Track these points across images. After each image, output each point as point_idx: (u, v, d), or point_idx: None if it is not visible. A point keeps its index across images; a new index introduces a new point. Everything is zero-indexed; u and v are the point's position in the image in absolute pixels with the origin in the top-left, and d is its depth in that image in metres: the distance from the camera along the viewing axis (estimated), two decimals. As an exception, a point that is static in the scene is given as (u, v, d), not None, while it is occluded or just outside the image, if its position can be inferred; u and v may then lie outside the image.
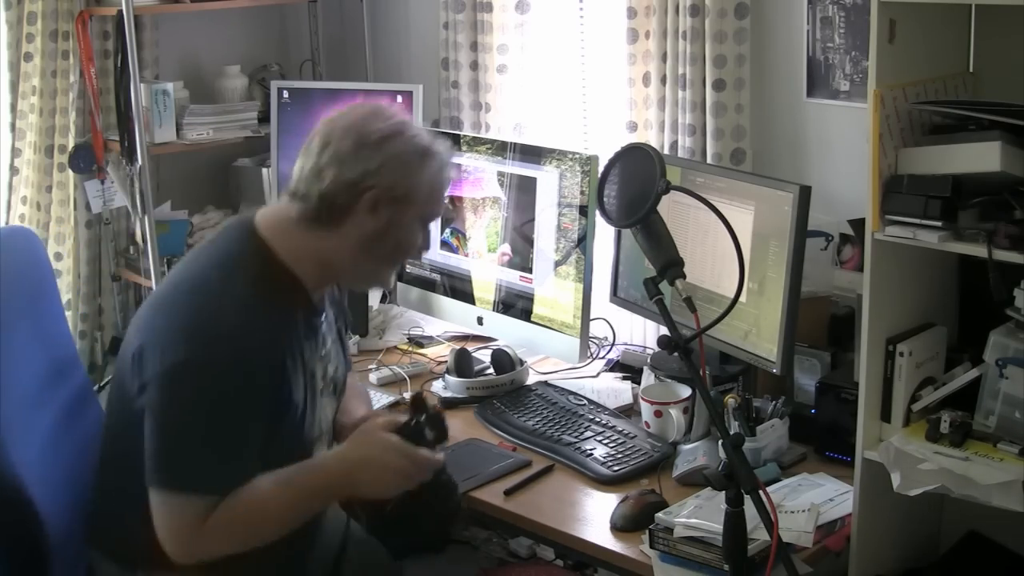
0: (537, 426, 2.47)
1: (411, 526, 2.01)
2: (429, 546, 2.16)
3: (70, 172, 3.24)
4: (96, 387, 3.35)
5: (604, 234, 2.65)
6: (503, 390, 2.66)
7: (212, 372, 1.77)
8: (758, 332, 2.33)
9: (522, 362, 2.74)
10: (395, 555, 2.19)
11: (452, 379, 2.68)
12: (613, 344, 2.88)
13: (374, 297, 3.21)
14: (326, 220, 1.86)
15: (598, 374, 2.80)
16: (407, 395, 2.56)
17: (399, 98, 3.11)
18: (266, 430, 1.84)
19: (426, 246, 2.00)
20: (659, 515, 2.01)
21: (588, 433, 2.42)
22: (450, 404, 2.65)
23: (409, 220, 1.91)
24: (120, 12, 3.05)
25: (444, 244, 2.90)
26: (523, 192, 2.71)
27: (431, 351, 2.98)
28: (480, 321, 2.85)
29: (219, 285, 1.84)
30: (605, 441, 2.38)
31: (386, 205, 1.86)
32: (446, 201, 1.97)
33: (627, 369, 2.79)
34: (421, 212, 1.92)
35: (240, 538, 1.83)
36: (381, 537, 2.17)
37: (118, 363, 1.95)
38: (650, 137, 2.78)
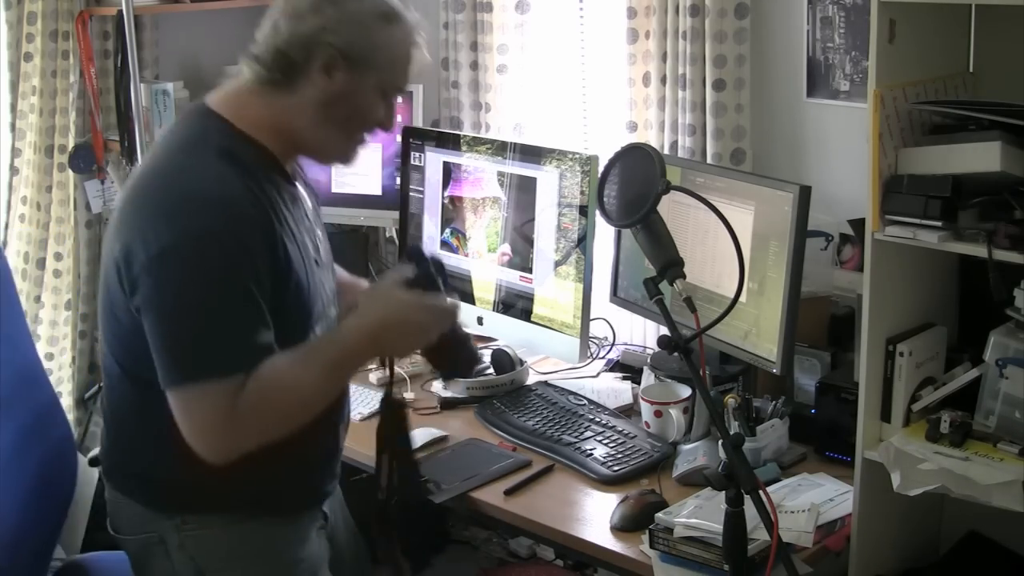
0: (537, 426, 2.47)
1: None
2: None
3: (70, 172, 3.24)
4: (96, 387, 3.36)
5: (604, 234, 2.65)
6: (503, 390, 2.66)
7: (204, 245, 1.69)
8: (758, 332, 2.33)
9: (522, 362, 2.74)
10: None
11: (452, 379, 2.69)
12: (613, 344, 2.88)
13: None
14: (281, 81, 1.81)
15: (598, 374, 2.80)
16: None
17: (399, 98, 3.10)
18: (272, 299, 1.77)
19: (388, 122, 1.92)
20: (659, 515, 2.01)
21: (588, 433, 2.42)
22: (450, 404, 2.65)
23: (366, 87, 1.84)
24: (120, 12, 3.05)
25: (444, 244, 2.90)
26: (523, 192, 2.71)
27: (431, 351, 2.99)
28: (480, 321, 2.85)
29: (188, 164, 1.77)
30: (605, 441, 2.38)
31: (342, 67, 1.80)
32: (410, 74, 1.90)
33: (627, 369, 2.79)
34: (380, 80, 1.84)
35: (273, 421, 1.75)
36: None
37: (102, 281, 1.86)
38: (650, 137, 2.78)
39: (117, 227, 1.80)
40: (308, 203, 1.97)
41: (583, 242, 2.58)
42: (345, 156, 1.94)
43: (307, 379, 1.78)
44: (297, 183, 1.94)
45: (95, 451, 2.59)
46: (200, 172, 1.76)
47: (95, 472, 3.06)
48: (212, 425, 1.72)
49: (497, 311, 2.80)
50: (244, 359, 1.72)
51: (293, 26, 1.79)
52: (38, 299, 3.27)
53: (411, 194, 2.95)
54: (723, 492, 1.69)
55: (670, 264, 1.85)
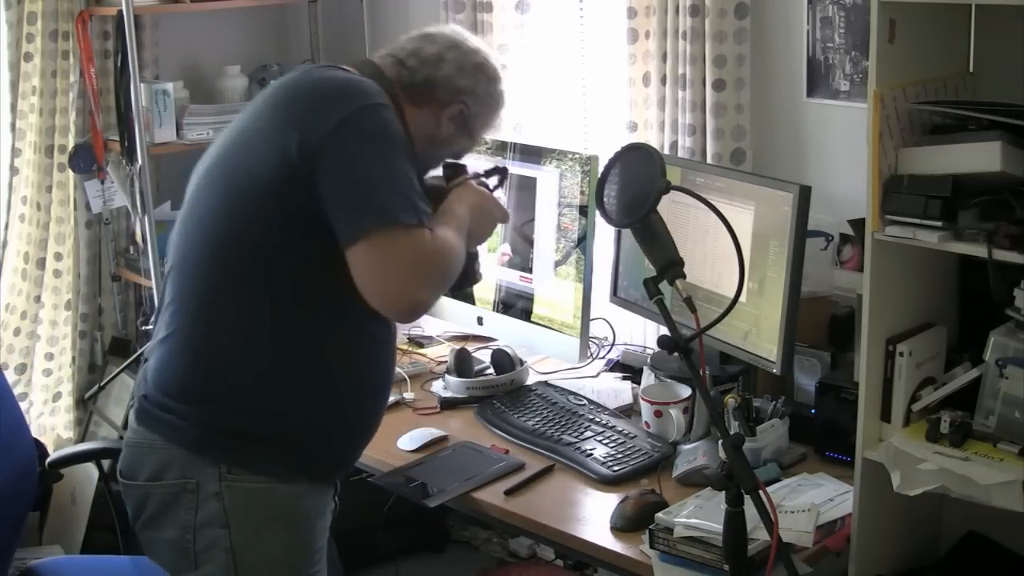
0: (537, 426, 2.47)
1: None
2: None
3: (70, 172, 3.25)
4: (96, 387, 3.37)
5: (604, 234, 2.65)
6: (503, 390, 2.66)
7: (382, 114, 1.89)
8: (758, 332, 2.33)
9: (522, 362, 2.74)
10: None
11: (452, 379, 2.68)
12: (613, 344, 2.88)
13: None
14: (416, 97, 2.05)
15: (598, 374, 2.80)
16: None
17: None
18: None
19: (462, 155, 2.19)
20: (659, 515, 2.01)
21: (588, 433, 2.42)
22: (450, 404, 2.65)
23: (463, 140, 2.13)
24: (120, 12, 3.05)
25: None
26: (523, 192, 2.71)
27: (431, 351, 2.98)
28: (480, 321, 2.85)
29: (344, 74, 1.98)
30: (605, 441, 2.38)
31: (461, 121, 2.08)
32: None
33: (627, 369, 2.79)
34: (470, 139, 2.15)
35: (449, 273, 1.94)
36: None
37: (223, 165, 1.99)
38: (650, 137, 2.78)
39: (279, 119, 1.91)
40: None
41: (583, 242, 2.58)
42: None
43: (455, 238, 1.97)
44: None
45: (59, 452, 2.61)
46: (360, 78, 1.96)
47: (95, 473, 3.06)
48: (421, 262, 1.85)
49: (497, 311, 2.80)
50: (429, 215, 1.91)
51: (453, 72, 2.06)
52: (38, 299, 3.28)
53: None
54: (723, 492, 1.69)
55: (670, 264, 1.85)
